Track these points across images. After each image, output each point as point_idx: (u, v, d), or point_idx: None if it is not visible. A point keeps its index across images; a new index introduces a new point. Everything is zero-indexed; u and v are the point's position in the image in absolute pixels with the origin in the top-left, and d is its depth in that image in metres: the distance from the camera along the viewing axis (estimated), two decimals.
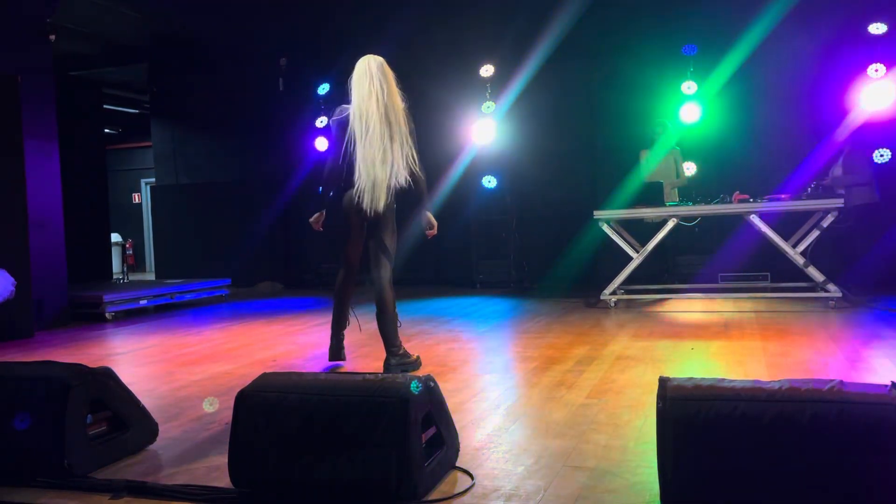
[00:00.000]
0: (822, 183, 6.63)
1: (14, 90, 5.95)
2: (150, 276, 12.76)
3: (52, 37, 6.70)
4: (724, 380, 2.02)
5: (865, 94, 6.79)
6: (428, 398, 2.26)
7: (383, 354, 4.60)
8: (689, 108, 7.48)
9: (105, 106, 10.97)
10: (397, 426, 2.11)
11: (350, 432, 2.15)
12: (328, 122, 4.06)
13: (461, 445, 2.53)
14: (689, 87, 7.49)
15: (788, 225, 6.47)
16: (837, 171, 6.78)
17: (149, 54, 10.29)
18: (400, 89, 3.97)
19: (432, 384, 2.31)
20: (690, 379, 2.03)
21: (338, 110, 4.04)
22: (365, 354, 4.67)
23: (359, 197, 3.89)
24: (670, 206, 6.43)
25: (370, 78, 3.88)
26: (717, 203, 6.26)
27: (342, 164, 3.94)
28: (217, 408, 3.37)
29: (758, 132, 7.59)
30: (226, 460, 2.28)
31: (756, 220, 6.02)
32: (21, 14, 6.35)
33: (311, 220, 4.28)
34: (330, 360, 4.30)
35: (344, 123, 3.94)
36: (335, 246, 9.31)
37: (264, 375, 2.43)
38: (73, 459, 2.42)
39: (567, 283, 8.33)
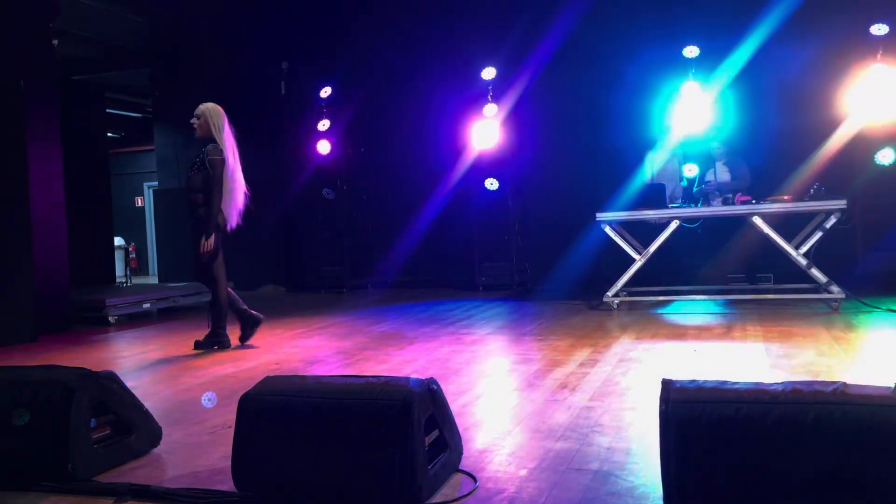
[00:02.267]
0: (702, 188, 6.87)
1: (17, 94, 5.96)
2: (153, 280, 12.78)
3: (55, 41, 6.71)
4: (727, 381, 2.02)
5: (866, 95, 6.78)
6: (431, 401, 2.26)
7: (386, 358, 4.63)
8: (690, 111, 7.45)
9: (108, 110, 11.00)
10: (400, 429, 2.11)
11: (353, 435, 2.15)
12: (217, 156, 5.00)
13: (464, 448, 2.53)
14: (690, 89, 7.47)
15: (791, 226, 6.46)
16: (723, 175, 6.95)
17: (151, 58, 10.31)
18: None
19: (435, 387, 2.31)
20: (693, 381, 2.03)
21: (219, 150, 4.99)
22: (367, 358, 4.68)
23: (227, 219, 5.06)
24: (673, 207, 6.43)
25: (229, 123, 5.11)
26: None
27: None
28: (215, 403, 3.38)
29: (760, 134, 7.57)
30: (229, 464, 2.28)
31: (758, 221, 6.02)
32: (24, 19, 6.36)
33: (212, 242, 4.96)
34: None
35: (224, 161, 4.99)
36: (335, 249, 9.30)
37: (267, 379, 2.43)
38: (76, 463, 2.42)
39: (569, 286, 8.32)
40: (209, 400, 3.42)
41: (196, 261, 5.06)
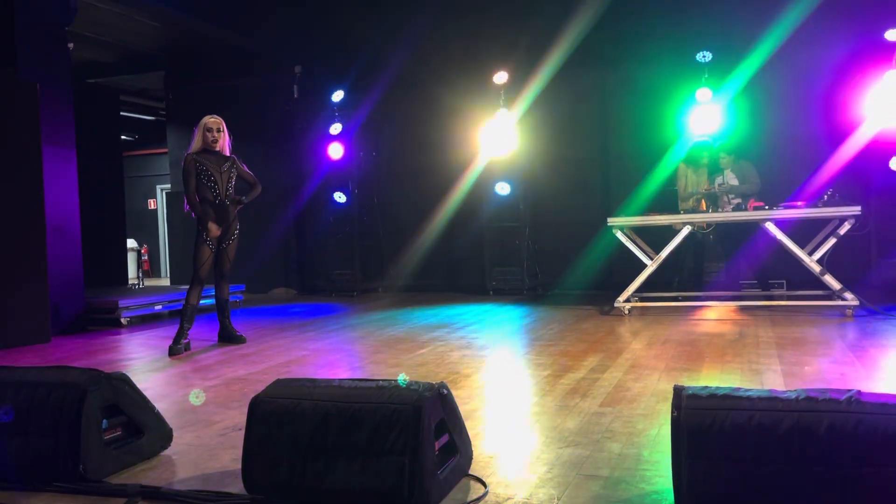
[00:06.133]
0: (711, 189, 6.87)
1: (33, 97, 6.02)
2: (165, 282, 12.85)
3: (71, 45, 6.77)
4: (739, 389, 2.01)
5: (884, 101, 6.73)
6: (441, 406, 2.26)
7: (396, 361, 4.63)
8: (704, 116, 7.42)
9: (122, 113, 11.09)
10: (410, 434, 2.10)
11: (363, 439, 2.15)
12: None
13: (474, 453, 2.52)
14: (703, 94, 7.44)
15: (805, 232, 6.42)
16: (732, 180, 6.91)
17: (165, 62, 10.40)
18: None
19: (445, 392, 2.31)
20: (706, 388, 2.02)
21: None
22: (379, 361, 4.68)
23: None
24: (685, 213, 6.40)
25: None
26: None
27: None
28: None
29: (773, 139, 7.54)
30: (239, 466, 2.29)
31: (771, 227, 5.98)
32: (40, 22, 6.43)
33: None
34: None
35: None
36: (346, 253, 9.30)
37: (278, 381, 2.44)
38: (88, 464, 2.43)
39: (581, 291, 8.31)
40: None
41: (230, 263, 5.45)
